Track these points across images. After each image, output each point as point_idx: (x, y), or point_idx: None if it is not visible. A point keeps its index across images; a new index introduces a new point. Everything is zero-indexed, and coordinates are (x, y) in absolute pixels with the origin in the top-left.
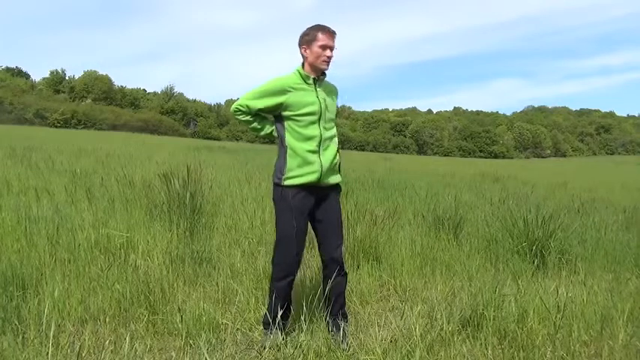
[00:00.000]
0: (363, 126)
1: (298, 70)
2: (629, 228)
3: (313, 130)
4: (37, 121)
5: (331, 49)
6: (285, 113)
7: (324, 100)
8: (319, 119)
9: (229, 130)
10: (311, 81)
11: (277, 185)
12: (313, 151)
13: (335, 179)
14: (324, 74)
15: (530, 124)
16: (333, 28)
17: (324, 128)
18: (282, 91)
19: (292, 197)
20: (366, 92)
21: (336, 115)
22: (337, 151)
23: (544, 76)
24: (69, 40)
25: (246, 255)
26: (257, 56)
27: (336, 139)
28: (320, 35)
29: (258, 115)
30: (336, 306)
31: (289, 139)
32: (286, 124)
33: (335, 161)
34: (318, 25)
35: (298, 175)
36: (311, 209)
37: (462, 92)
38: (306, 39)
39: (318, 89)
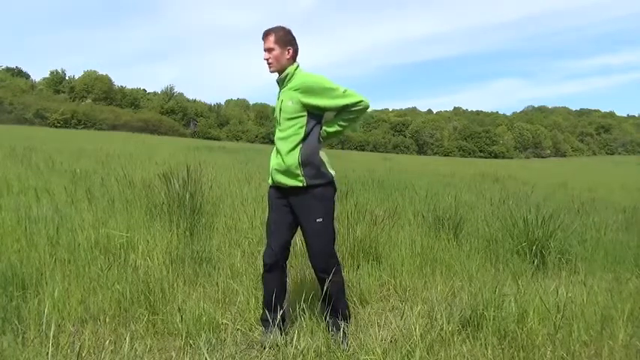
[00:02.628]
0: (363, 126)
1: None
2: (629, 228)
3: (275, 134)
4: (37, 121)
5: (267, 50)
6: None
7: (282, 102)
8: (277, 122)
9: (229, 130)
10: (278, 85)
11: None
12: (273, 154)
13: (289, 181)
14: (286, 75)
15: (530, 124)
16: (269, 28)
17: (279, 130)
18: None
19: (269, 196)
20: (367, 92)
21: (309, 111)
22: (292, 150)
23: (544, 76)
24: (69, 40)
25: (246, 255)
26: (257, 56)
27: (294, 138)
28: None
29: None
30: (333, 307)
31: None
32: None
33: (288, 162)
34: None
35: (268, 176)
36: (290, 210)
37: (462, 92)
38: None
39: (281, 91)
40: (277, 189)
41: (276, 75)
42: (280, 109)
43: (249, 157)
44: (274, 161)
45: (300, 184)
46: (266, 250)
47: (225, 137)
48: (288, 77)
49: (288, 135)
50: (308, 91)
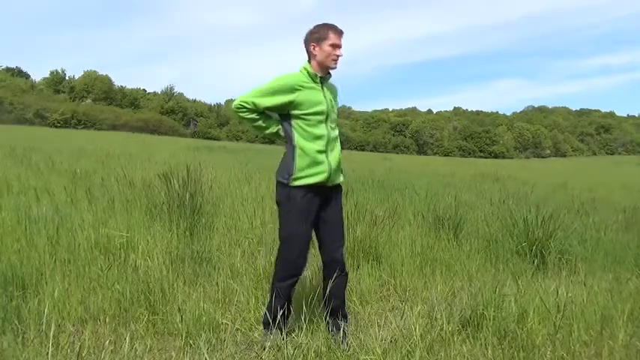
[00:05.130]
0: (363, 126)
1: (306, 69)
2: (629, 228)
3: (321, 130)
4: (37, 121)
5: (340, 47)
6: (294, 112)
7: (330, 100)
8: (326, 119)
9: (229, 130)
10: (318, 80)
11: (284, 185)
12: (322, 151)
13: (340, 179)
14: (329, 74)
15: (530, 124)
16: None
17: (331, 128)
18: (292, 89)
19: (301, 198)
20: (366, 92)
21: (338, 116)
22: (340, 148)
23: (544, 76)
24: (69, 40)
25: (246, 255)
26: (257, 56)
27: (339, 139)
28: (331, 34)
29: (264, 113)
30: (336, 306)
31: (298, 139)
32: (294, 122)
33: (340, 161)
34: (328, 24)
35: (308, 175)
36: (315, 214)
37: (462, 92)
38: (316, 37)
39: (324, 88)
40: (317, 191)
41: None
42: (332, 108)
43: (249, 157)
44: (333, 160)
45: (343, 180)
46: (294, 261)
47: (225, 137)
48: (329, 79)
49: (337, 134)
50: (337, 97)
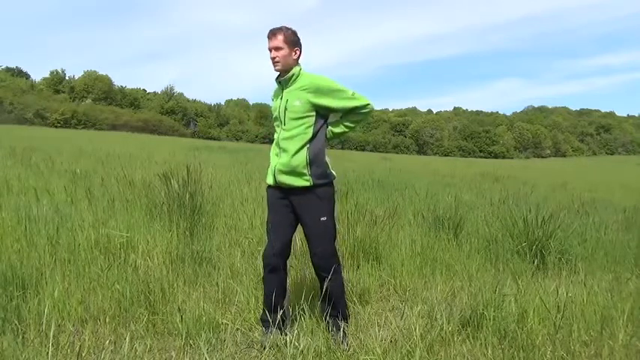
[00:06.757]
0: (363, 126)
1: None
2: (629, 228)
3: (276, 134)
4: (37, 121)
5: (275, 49)
6: None
7: (287, 101)
8: (280, 122)
9: (229, 130)
10: (279, 85)
11: None
12: (275, 154)
13: (295, 181)
14: (288, 76)
15: (530, 124)
16: (276, 27)
17: (284, 130)
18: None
19: (267, 194)
20: (367, 92)
21: (318, 111)
22: (300, 149)
23: (544, 76)
24: (69, 40)
25: (246, 255)
26: (257, 56)
27: (302, 137)
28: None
29: None
30: (333, 307)
31: None
32: None
33: (295, 162)
34: None
35: (266, 175)
36: (291, 209)
37: (462, 92)
38: None
39: (284, 91)
40: (278, 189)
41: (273, 75)
42: (285, 109)
43: (249, 157)
44: (278, 161)
45: (308, 184)
46: (267, 250)
47: (225, 137)
48: (293, 78)
49: (295, 134)
50: (318, 91)
